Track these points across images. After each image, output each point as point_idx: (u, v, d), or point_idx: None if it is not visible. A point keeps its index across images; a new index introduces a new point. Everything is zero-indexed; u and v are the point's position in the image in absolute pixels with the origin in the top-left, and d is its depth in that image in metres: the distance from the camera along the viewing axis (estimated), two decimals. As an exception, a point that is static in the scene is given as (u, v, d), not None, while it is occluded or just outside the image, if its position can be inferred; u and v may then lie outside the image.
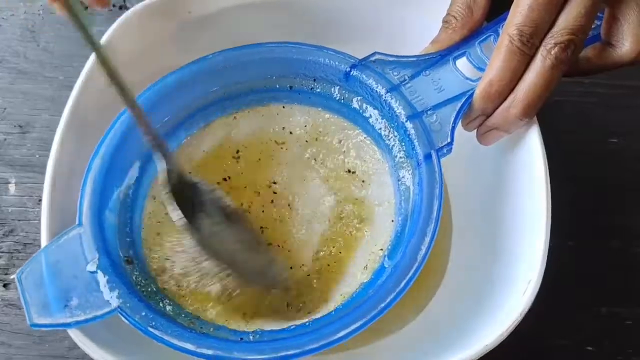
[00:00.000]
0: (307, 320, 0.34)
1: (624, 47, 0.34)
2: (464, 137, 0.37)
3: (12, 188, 0.47)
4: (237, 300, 0.35)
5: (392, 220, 0.37)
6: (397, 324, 0.38)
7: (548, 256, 0.32)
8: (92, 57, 0.38)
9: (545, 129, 0.35)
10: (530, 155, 0.35)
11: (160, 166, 0.34)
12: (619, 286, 0.43)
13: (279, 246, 0.39)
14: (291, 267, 0.38)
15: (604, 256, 0.44)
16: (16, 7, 0.54)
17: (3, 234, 0.45)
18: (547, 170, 0.34)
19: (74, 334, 0.31)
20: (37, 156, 0.48)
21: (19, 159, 0.48)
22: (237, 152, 0.41)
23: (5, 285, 0.43)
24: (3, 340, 0.42)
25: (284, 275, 0.37)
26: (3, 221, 0.45)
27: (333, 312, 0.34)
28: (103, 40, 0.38)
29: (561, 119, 0.48)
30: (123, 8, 0.54)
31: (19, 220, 0.46)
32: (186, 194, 0.35)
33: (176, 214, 0.34)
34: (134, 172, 0.37)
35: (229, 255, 0.35)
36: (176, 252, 0.35)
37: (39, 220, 0.34)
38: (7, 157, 0.48)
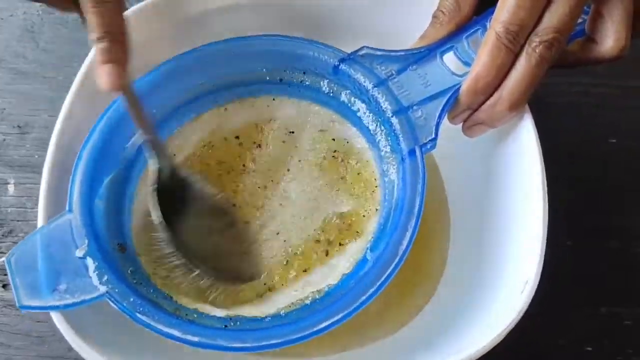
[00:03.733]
0: (289, 309, 0.35)
1: (607, 44, 0.35)
2: (462, 139, 0.37)
3: (11, 188, 0.47)
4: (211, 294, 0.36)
5: (376, 213, 0.38)
6: (395, 325, 0.38)
7: (546, 256, 0.33)
8: (88, 58, 0.39)
9: (543, 129, 0.36)
10: (527, 155, 0.36)
11: (152, 164, 0.36)
12: (619, 286, 0.44)
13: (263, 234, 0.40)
14: (271, 257, 0.38)
15: (603, 256, 0.44)
16: (15, 8, 0.54)
17: (2, 235, 0.45)
18: (544, 169, 0.34)
19: (69, 336, 0.32)
20: (36, 157, 0.48)
21: (18, 160, 0.48)
22: (227, 143, 0.41)
23: (4, 286, 0.43)
24: (2, 341, 0.42)
25: (260, 275, 0.38)
26: (2, 221, 0.46)
27: (316, 302, 0.35)
28: None
29: (560, 119, 0.48)
30: (122, 8, 0.54)
31: (18, 220, 0.46)
32: (176, 190, 0.37)
33: (155, 214, 0.35)
34: (124, 161, 0.38)
35: (208, 253, 0.37)
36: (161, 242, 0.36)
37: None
38: (6, 157, 0.48)
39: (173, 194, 0.37)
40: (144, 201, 0.38)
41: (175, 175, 0.37)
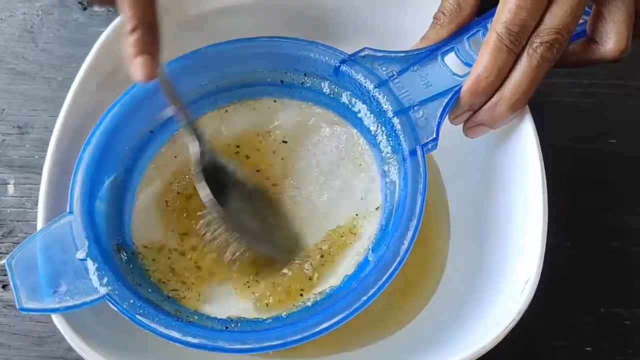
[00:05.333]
0: (290, 310, 0.35)
1: (608, 45, 0.35)
2: (463, 140, 0.37)
3: (10, 189, 0.47)
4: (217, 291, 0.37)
5: (378, 214, 0.38)
6: (396, 326, 0.38)
7: (546, 256, 0.33)
8: (88, 58, 0.39)
9: (543, 129, 0.36)
10: (527, 155, 0.36)
11: (193, 148, 0.36)
12: (618, 286, 0.44)
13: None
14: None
15: (603, 256, 0.44)
16: (15, 8, 0.54)
17: (2, 235, 0.45)
18: (544, 169, 0.34)
19: (70, 337, 0.32)
20: (36, 157, 0.48)
21: (18, 160, 0.48)
22: (228, 145, 0.41)
23: (4, 287, 0.43)
24: (2, 342, 0.42)
25: (299, 249, 0.38)
26: (2, 222, 0.46)
27: (317, 304, 0.35)
28: (101, 39, 0.39)
29: (560, 119, 0.48)
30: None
31: (18, 221, 0.46)
32: (215, 174, 0.37)
33: (204, 193, 0.36)
34: (125, 163, 0.38)
35: (250, 228, 0.38)
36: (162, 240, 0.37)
37: (39, 220, 0.35)
38: (5, 158, 0.48)
39: (213, 177, 0.37)
40: (147, 201, 0.38)
41: (215, 162, 0.37)
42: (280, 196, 0.40)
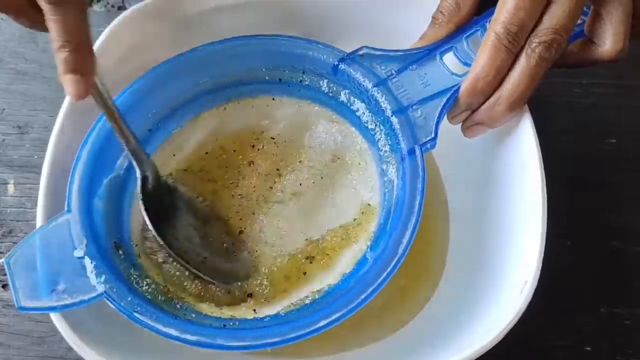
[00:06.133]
0: (288, 309, 0.35)
1: (605, 45, 0.35)
2: (462, 139, 0.37)
3: (10, 189, 0.47)
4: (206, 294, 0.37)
5: (376, 212, 0.38)
6: (395, 325, 0.38)
7: (546, 256, 0.33)
8: None
9: (543, 129, 0.36)
10: (526, 155, 0.36)
11: (137, 173, 0.36)
12: (618, 286, 0.44)
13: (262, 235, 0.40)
14: (272, 258, 0.38)
15: (603, 256, 0.44)
16: (15, 8, 0.54)
17: (2, 235, 0.45)
18: (543, 169, 0.34)
19: (69, 337, 0.32)
20: (36, 157, 0.48)
21: (18, 160, 0.48)
22: (226, 142, 0.41)
23: (4, 286, 0.43)
24: (2, 341, 0.42)
25: (247, 277, 0.38)
26: (2, 222, 0.46)
27: (315, 302, 0.35)
28: (101, 39, 0.39)
29: (559, 119, 0.48)
30: (122, 9, 0.54)
31: (18, 221, 0.46)
32: (164, 197, 0.38)
33: (146, 221, 0.36)
34: (123, 161, 0.38)
35: (197, 256, 0.37)
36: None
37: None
38: (5, 157, 0.48)
39: (161, 200, 0.37)
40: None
41: (160, 183, 0.37)
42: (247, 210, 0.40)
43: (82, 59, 0.32)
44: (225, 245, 0.38)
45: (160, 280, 0.36)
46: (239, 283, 0.37)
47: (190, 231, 0.38)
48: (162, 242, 0.35)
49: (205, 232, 0.38)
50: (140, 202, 0.36)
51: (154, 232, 0.35)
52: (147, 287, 0.35)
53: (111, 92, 0.35)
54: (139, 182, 0.36)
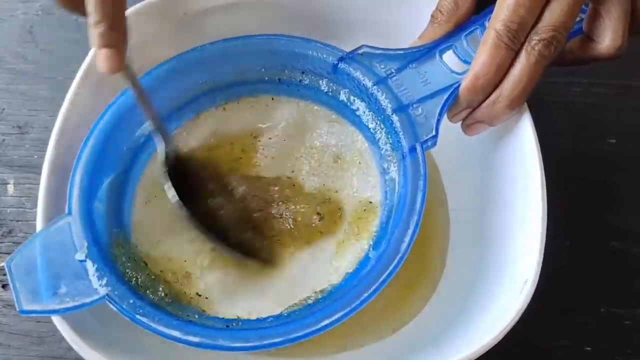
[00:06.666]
0: (292, 308, 0.35)
1: (604, 42, 0.36)
2: (462, 138, 0.37)
3: (10, 189, 0.47)
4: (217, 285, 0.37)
5: (378, 211, 0.38)
6: (395, 325, 0.38)
7: (546, 256, 0.33)
8: (87, 58, 0.39)
9: (543, 129, 0.36)
10: (526, 155, 0.36)
11: (160, 147, 0.36)
12: (618, 286, 0.43)
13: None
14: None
15: (603, 256, 0.44)
16: (15, 8, 0.54)
17: (2, 235, 0.45)
18: (543, 169, 0.34)
19: (69, 337, 0.32)
20: (36, 157, 0.48)
21: (18, 160, 0.48)
22: (226, 142, 0.41)
23: (4, 286, 0.43)
24: (2, 341, 0.42)
25: (268, 251, 0.38)
26: (1, 222, 0.46)
27: (318, 302, 0.35)
28: None
29: (559, 119, 0.48)
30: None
31: (17, 221, 0.46)
32: (184, 172, 0.37)
33: (171, 193, 0.36)
34: (123, 163, 0.38)
35: (218, 229, 0.37)
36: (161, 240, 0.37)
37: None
38: (5, 157, 0.48)
39: (184, 177, 0.37)
40: (145, 201, 0.38)
41: (183, 161, 0.38)
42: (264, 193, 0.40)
43: (117, 34, 0.33)
44: (241, 226, 0.38)
45: (161, 280, 0.36)
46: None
47: (212, 205, 0.38)
48: (186, 211, 0.36)
49: (226, 209, 0.38)
50: (165, 174, 0.36)
51: (177, 200, 0.35)
52: (148, 288, 0.35)
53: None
54: (162, 156, 0.36)
